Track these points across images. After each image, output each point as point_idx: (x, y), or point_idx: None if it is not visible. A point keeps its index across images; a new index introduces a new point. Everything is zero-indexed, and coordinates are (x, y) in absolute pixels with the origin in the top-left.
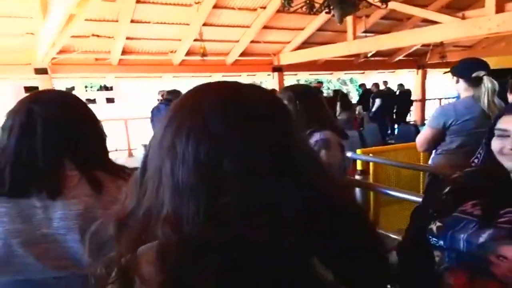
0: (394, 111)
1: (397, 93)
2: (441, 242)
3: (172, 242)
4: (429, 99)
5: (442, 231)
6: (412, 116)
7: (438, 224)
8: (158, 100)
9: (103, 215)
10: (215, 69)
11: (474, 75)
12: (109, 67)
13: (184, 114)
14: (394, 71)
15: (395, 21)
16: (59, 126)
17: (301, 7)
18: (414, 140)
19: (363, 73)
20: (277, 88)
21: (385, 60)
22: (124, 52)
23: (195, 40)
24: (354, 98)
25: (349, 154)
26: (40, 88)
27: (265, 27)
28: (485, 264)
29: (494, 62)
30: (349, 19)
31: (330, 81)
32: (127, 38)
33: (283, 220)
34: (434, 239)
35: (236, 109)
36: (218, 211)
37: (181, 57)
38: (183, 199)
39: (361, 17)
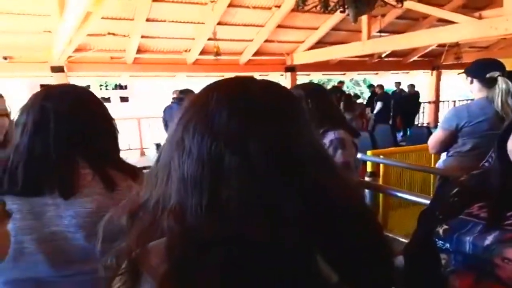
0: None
1: (405, 95)
2: (447, 245)
3: (175, 234)
4: (443, 101)
5: (449, 234)
6: (425, 118)
7: (445, 226)
8: (172, 99)
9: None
10: (228, 69)
11: (488, 75)
12: (124, 65)
13: (194, 110)
14: (408, 72)
15: (410, 21)
16: (72, 122)
17: (316, 6)
18: (426, 142)
19: (377, 73)
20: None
21: (399, 60)
22: (138, 50)
23: (209, 39)
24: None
25: (359, 155)
26: None
27: (279, 26)
28: (490, 267)
29: (511, 64)
30: (364, 18)
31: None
32: (142, 37)
33: (284, 219)
34: (440, 241)
35: (241, 105)
36: (220, 206)
37: (195, 56)
38: (188, 192)
39: (376, 16)
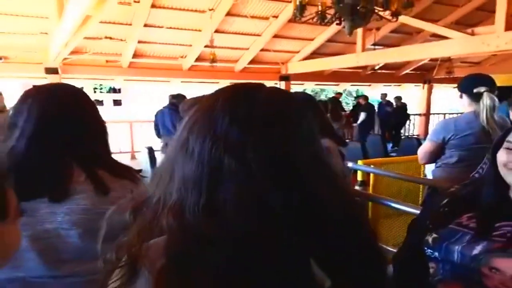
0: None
1: (389, 107)
2: (436, 254)
3: (173, 231)
4: (434, 114)
5: (438, 243)
6: (416, 130)
7: (434, 235)
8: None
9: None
10: (223, 76)
11: (475, 90)
12: (119, 69)
13: (200, 113)
14: (400, 85)
15: (404, 35)
16: (65, 125)
17: (313, 18)
18: (416, 153)
19: (370, 85)
20: None
21: (392, 73)
22: (134, 55)
23: (205, 46)
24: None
25: (350, 164)
26: None
27: (275, 36)
28: (478, 276)
29: (502, 80)
30: (359, 31)
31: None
32: (139, 42)
33: (279, 223)
34: (429, 250)
35: (243, 112)
36: (216, 207)
37: (191, 63)
38: (187, 191)
39: (371, 29)
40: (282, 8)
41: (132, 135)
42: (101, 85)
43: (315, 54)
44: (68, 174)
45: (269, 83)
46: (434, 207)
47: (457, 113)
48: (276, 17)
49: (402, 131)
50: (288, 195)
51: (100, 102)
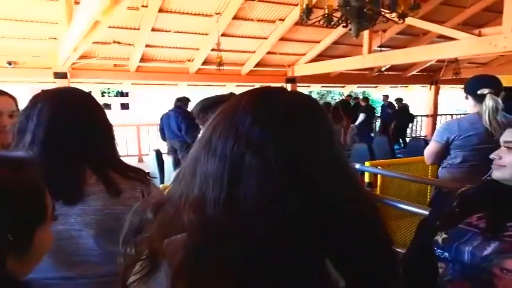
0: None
1: (390, 109)
2: (446, 254)
3: (194, 225)
4: (441, 115)
5: (448, 243)
6: (423, 131)
7: (444, 236)
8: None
9: (123, 210)
10: (229, 79)
11: (479, 92)
12: (127, 73)
13: (223, 114)
14: (407, 86)
15: (411, 37)
16: (76, 130)
17: (319, 21)
18: (423, 154)
19: (376, 87)
20: None
21: (398, 74)
22: (142, 59)
23: (212, 49)
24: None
25: (357, 165)
26: None
27: (281, 39)
28: (488, 277)
29: (510, 80)
30: (365, 33)
31: (343, 94)
32: (146, 46)
33: (296, 221)
34: (439, 250)
35: (264, 114)
36: (237, 202)
37: (198, 66)
38: (209, 187)
39: (377, 31)
40: (288, 11)
41: (139, 138)
42: (108, 89)
43: (322, 56)
44: (81, 176)
45: (275, 86)
46: (444, 208)
47: (464, 114)
48: (283, 20)
49: (408, 132)
50: (305, 195)
51: (108, 106)
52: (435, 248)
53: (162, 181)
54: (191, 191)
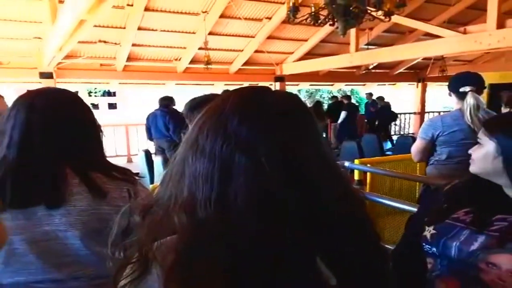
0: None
1: (373, 107)
2: (434, 249)
3: (184, 226)
4: (428, 112)
5: (436, 238)
6: (411, 129)
7: (432, 231)
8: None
9: (109, 211)
10: (218, 78)
11: (461, 90)
12: (114, 73)
13: (209, 113)
14: (394, 84)
15: (397, 34)
16: (57, 132)
17: (306, 19)
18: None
19: (364, 85)
20: None
21: (386, 72)
22: (129, 58)
23: (200, 48)
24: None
25: (347, 163)
26: None
27: (269, 37)
28: (475, 271)
29: (495, 77)
30: (352, 31)
31: (331, 92)
32: (133, 45)
33: (287, 219)
34: (427, 246)
35: (252, 112)
36: (227, 201)
37: (185, 65)
38: (198, 187)
39: (364, 29)
40: (275, 9)
41: (128, 138)
42: (95, 88)
43: (310, 54)
44: (63, 179)
45: (264, 84)
46: (432, 203)
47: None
48: (270, 18)
49: (397, 129)
50: (296, 193)
51: (96, 106)
52: (424, 244)
53: (152, 181)
54: (180, 192)
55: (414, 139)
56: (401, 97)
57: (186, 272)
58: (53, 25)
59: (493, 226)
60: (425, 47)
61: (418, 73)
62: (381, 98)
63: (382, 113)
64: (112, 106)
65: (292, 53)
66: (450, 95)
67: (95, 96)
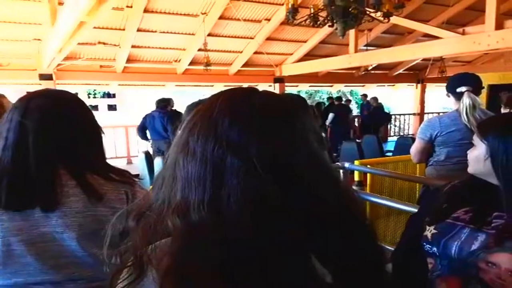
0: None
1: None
2: (435, 249)
3: (178, 229)
4: (428, 113)
5: (436, 238)
6: (410, 129)
7: (433, 231)
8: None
9: (106, 212)
10: (217, 79)
11: (458, 90)
12: (113, 74)
13: (199, 115)
14: (393, 85)
15: (396, 36)
16: (53, 136)
17: (305, 20)
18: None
19: (364, 86)
20: None
21: (385, 73)
22: (128, 60)
23: (199, 50)
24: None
25: (347, 164)
26: None
27: (268, 39)
28: (475, 271)
29: (494, 78)
30: (351, 32)
31: (330, 93)
32: (133, 46)
33: (281, 218)
34: (428, 245)
35: (242, 113)
36: (220, 203)
37: (185, 66)
38: (191, 190)
39: (363, 31)
40: (274, 11)
41: (128, 139)
42: (94, 90)
43: (309, 56)
44: (58, 182)
45: (263, 86)
46: (432, 203)
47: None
48: (269, 19)
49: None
50: (288, 191)
51: (95, 107)
52: (424, 244)
53: (152, 183)
54: (173, 195)
55: (414, 140)
56: (400, 98)
57: (181, 275)
58: (52, 26)
59: (492, 225)
60: (424, 48)
61: (417, 74)
62: (374, 99)
63: (374, 114)
64: (111, 107)
65: (291, 54)
66: (448, 96)
67: (95, 97)
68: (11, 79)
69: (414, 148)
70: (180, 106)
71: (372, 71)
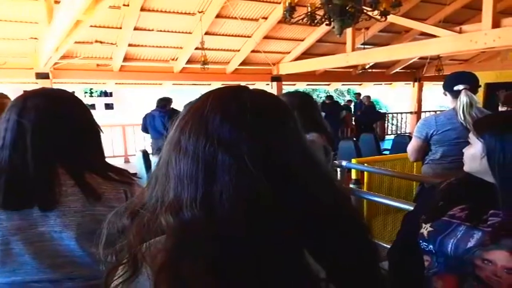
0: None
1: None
2: (431, 247)
3: (171, 227)
4: (425, 111)
5: (432, 236)
6: (408, 128)
7: (429, 228)
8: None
9: (104, 212)
10: (215, 78)
11: (455, 88)
12: (110, 73)
13: (190, 114)
14: (391, 83)
15: (393, 34)
16: (50, 136)
17: (302, 19)
18: None
19: (361, 84)
20: None
21: (382, 72)
22: (125, 58)
23: (196, 48)
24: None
25: (344, 163)
26: None
27: (265, 37)
28: (471, 268)
29: (491, 76)
30: (348, 31)
31: (328, 92)
32: (129, 45)
33: (273, 215)
34: (424, 243)
35: (232, 109)
36: (213, 200)
37: (182, 65)
38: (184, 188)
39: (360, 29)
40: (271, 9)
41: (125, 138)
42: (91, 89)
43: (306, 54)
44: (56, 181)
45: (260, 84)
46: (428, 201)
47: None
48: (266, 18)
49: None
50: (280, 188)
51: (92, 106)
52: (421, 241)
53: None
54: (166, 193)
55: (411, 138)
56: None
57: (175, 271)
58: (49, 25)
59: (488, 222)
60: (421, 46)
61: (414, 72)
62: (367, 97)
63: (366, 113)
64: (108, 106)
65: (289, 53)
66: (445, 94)
67: (92, 96)
68: (8, 78)
69: (411, 147)
70: (177, 104)
71: (369, 70)
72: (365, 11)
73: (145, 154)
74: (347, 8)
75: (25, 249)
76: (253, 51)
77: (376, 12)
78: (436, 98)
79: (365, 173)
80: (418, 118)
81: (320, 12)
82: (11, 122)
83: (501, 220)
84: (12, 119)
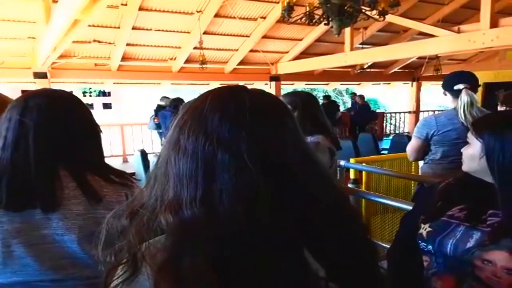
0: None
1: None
2: (430, 247)
3: (171, 226)
4: (423, 111)
5: (431, 236)
6: (406, 128)
7: (428, 229)
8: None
9: (105, 215)
10: (213, 77)
11: (455, 88)
12: (108, 72)
13: (189, 114)
14: (389, 83)
15: (392, 34)
16: (52, 136)
17: (301, 18)
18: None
19: (359, 84)
20: None
21: (381, 71)
22: (123, 58)
23: (195, 48)
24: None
25: (342, 162)
26: None
27: (264, 37)
28: (470, 268)
29: (489, 76)
30: (347, 30)
31: (326, 91)
32: (128, 45)
33: (273, 214)
34: (423, 243)
35: (231, 108)
36: (213, 199)
37: (180, 65)
38: (183, 187)
39: (358, 29)
40: (270, 9)
41: (124, 138)
42: (90, 88)
43: (305, 54)
44: (58, 183)
45: (259, 84)
46: (427, 201)
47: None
48: (264, 18)
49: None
50: (279, 186)
51: (90, 106)
52: (419, 242)
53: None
54: (165, 193)
55: (409, 138)
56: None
57: (175, 270)
58: (47, 25)
59: (487, 222)
60: (420, 46)
61: (412, 72)
62: (360, 97)
63: (360, 113)
64: (107, 106)
65: (287, 52)
66: (445, 94)
67: (90, 96)
68: (6, 78)
69: (410, 147)
70: None
71: (368, 69)
72: (363, 10)
73: (143, 154)
74: (345, 7)
75: (26, 251)
76: (251, 51)
77: (374, 11)
78: (434, 97)
79: (364, 172)
80: (417, 117)
81: (319, 12)
82: (13, 121)
83: (501, 220)
84: (14, 118)
